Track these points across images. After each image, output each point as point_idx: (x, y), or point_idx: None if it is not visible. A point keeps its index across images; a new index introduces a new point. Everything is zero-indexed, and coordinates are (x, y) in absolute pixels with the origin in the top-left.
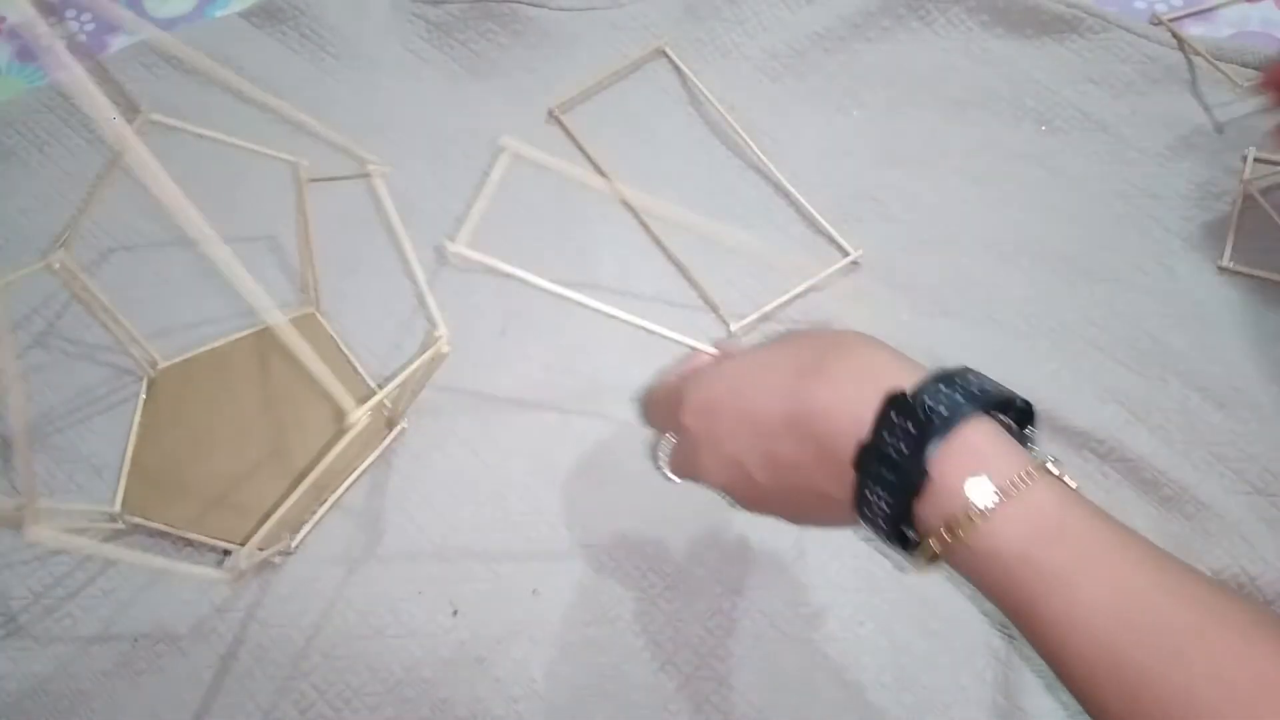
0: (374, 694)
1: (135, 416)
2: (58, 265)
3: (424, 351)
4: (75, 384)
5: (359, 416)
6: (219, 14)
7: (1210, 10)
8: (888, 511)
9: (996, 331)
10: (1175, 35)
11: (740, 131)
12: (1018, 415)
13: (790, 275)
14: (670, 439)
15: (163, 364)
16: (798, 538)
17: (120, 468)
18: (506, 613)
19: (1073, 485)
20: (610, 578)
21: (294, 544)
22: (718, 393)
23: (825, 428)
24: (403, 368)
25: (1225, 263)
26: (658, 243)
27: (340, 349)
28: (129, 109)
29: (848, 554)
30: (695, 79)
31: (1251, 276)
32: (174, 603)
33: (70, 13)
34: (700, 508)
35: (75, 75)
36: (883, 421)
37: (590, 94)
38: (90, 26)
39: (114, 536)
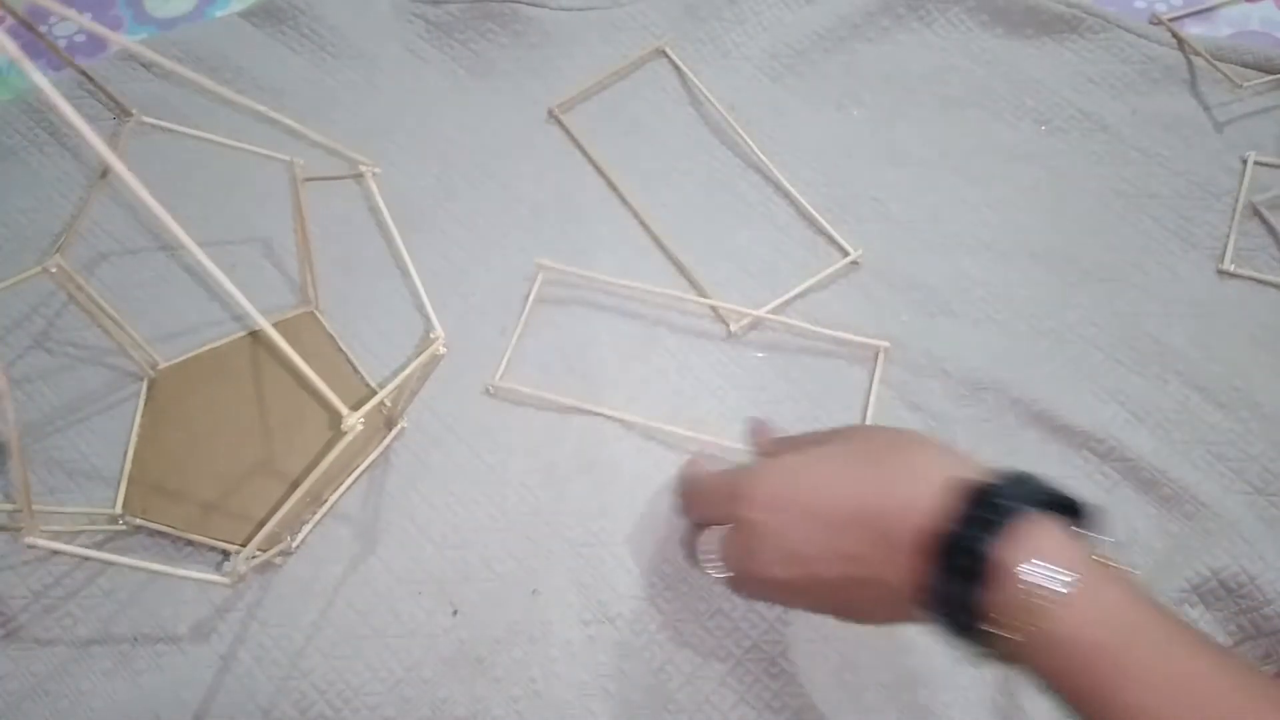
0: (374, 694)
1: (135, 418)
2: (54, 269)
3: (422, 352)
4: (75, 385)
5: (354, 422)
6: (219, 14)
7: (1210, 10)
8: (950, 598)
9: (997, 331)
10: (1175, 35)
11: (740, 131)
12: (1074, 515)
13: (790, 275)
14: (712, 531)
15: (163, 365)
16: None
17: (121, 469)
18: (506, 613)
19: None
20: (610, 578)
21: (294, 544)
22: (783, 487)
23: (889, 520)
24: (402, 367)
25: (1226, 266)
26: (658, 243)
27: (340, 348)
28: (121, 113)
29: None
30: (695, 79)
31: (1253, 280)
32: (174, 603)
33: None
34: None
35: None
36: (951, 511)
37: (590, 94)
38: (81, 37)
39: (115, 537)
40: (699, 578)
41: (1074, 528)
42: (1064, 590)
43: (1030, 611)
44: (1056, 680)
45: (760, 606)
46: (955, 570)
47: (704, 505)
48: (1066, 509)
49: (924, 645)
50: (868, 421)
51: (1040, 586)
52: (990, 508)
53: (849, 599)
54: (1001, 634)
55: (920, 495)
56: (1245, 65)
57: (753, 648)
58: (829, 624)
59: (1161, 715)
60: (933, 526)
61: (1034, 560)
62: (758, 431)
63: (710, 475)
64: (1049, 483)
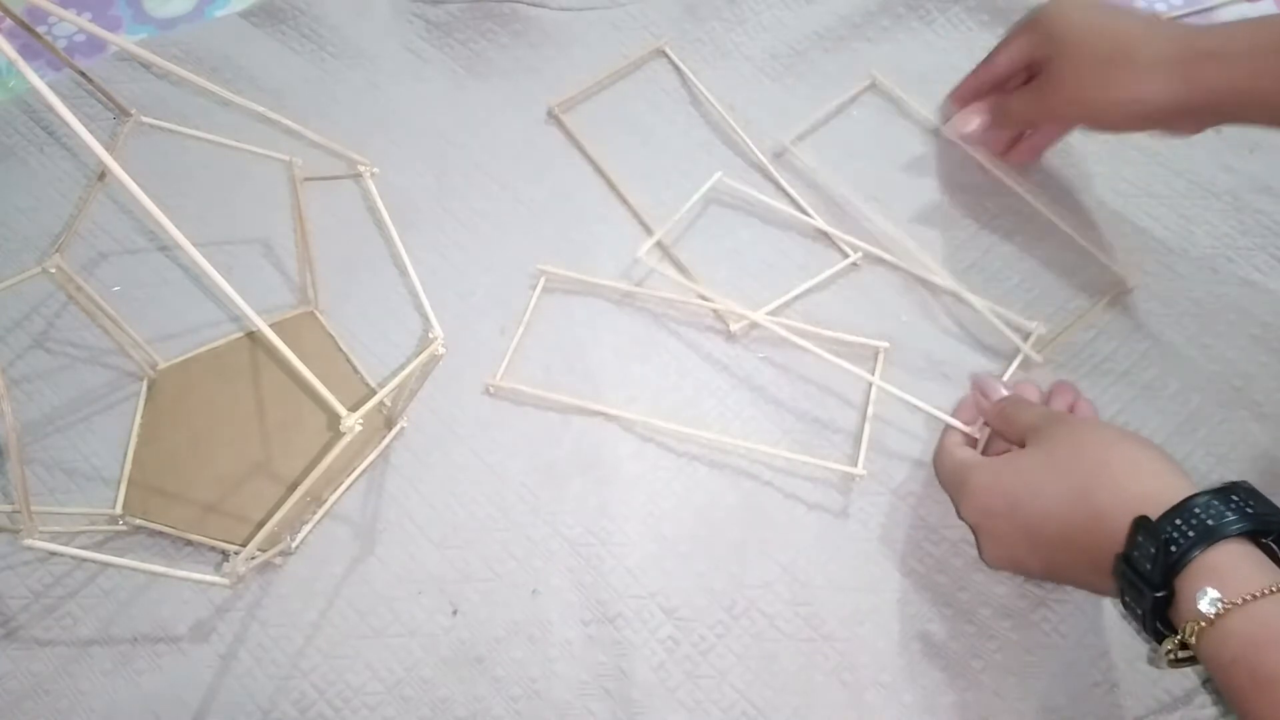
0: (374, 693)
1: (135, 418)
2: (53, 270)
3: (421, 352)
4: (75, 386)
5: (353, 423)
6: (219, 14)
7: (1210, 10)
8: (1141, 615)
9: (996, 331)
10: None
11: (740, 131)
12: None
13: (790, 275)
14: None
15: (162, 365)
16: (796, 537)
17: (121, 469)
18: (506, 613)
19: None
20: (610, 578)
21: (294, 544)
22: (995, 502)
23: (1093, 545)
24: (402, 367)
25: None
26: (658, 243)
27: (339, 348)
28: (120, 113)
29: (847, 554)
30: (695, 79)
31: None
32: (174, 603)
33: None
34: (700, 508)
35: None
36: (1133, 543)
37: (590, 94)
38: (80, 38)
39: (115, 538)
40: (699, 576)
41: (1268, 546)
42: (1212, 612)
43: (1189, 630)
44: (1220, 690)
45: (762, 608)
46: (1135, 593)
47: (942, 479)
48: (1264, 525)
49: (923, 647)
50: (867, 422)
51: (1196, 608)
52: (1167, 544)
53: (1065, 583)
54: (1172, 645)
55: (1118, 527)
56: None
57: (753, 647)
58: (829, 624)
59: None
60: (1125, 556)
61: (1197, 586)
62: (982, 389)
63: (948, 452)
64: (1251, 501)
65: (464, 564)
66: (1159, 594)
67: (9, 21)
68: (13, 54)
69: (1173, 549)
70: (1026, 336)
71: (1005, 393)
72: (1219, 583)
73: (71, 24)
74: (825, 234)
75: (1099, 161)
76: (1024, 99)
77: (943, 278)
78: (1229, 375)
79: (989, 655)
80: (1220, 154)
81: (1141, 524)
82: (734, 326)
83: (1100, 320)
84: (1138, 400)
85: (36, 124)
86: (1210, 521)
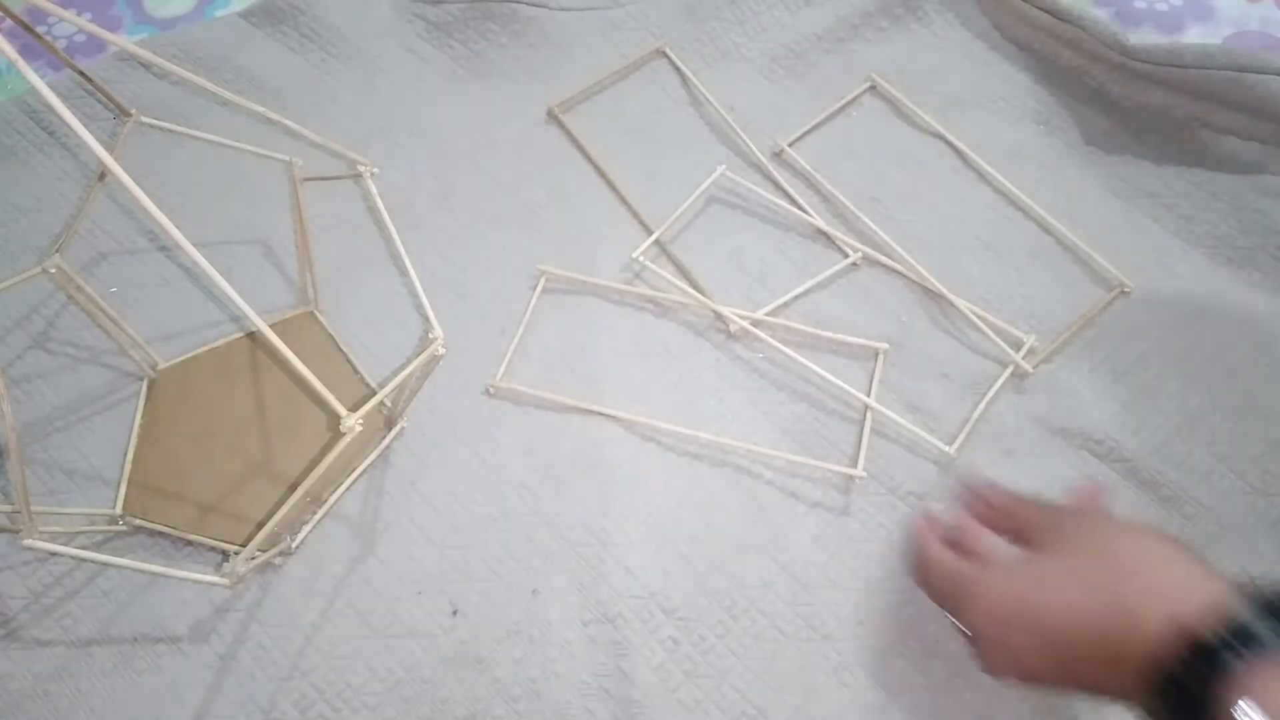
0: (374, 693)
1: (135, 418)
2: (53, 270)
3: (422, 352)
4: (75, 386)
5: (353, 423)
6: (219, 14)
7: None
8: None
9: (996, 332)
10: None
11: (740, 131)
12: None
13: (790, 275)
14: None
15: (162, 365)
16: (796, 538)
17: (121, 469)
18: (506, 613)
19: None
20: (610, 578)
21: (294, 545)
22: (1010, 609)
23: (1119, 648)
24: (402, 367)
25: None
26: (658, 242)
27: (339, 348)
28: (120, 113)
29: (847, 554)
30: (695, 79)
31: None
32: (174, 603)
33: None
34: (700, 508)
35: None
36: (1177, 659)
37: (590, 94)
38: (80, 38)
39: (115, 538)
40: (699, 576)
41: None
42: None
43: None
44: None
45: (762, 607)
46: (1174, 708)
47: (931, 591)
48: None
49: (923, 647)
50: (867, 423)
51: None
52: (1218, 663)
53: (1079, 692)
54: None
55: (1151, 631)
56: (1240, 69)
57: (753, 647)
58: (829, 624)
59: None
60: (1161, 663)
61: (1245, 711)
62: (973, 493)
63: (938, 563)
64: None
65: (464, 564)
66: (1203, 715)
67: (9, 21)
68: (13, 54)
69: (1222, 673)
70: (1019, 346)
71: (999, 491)
72: (1265, 703)
73: (71, 24)
74: (825, 234)
75: (1098, 162)
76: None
77: (937, 283)
78: (1229, 375)
79: None
80: (1220, 154)
81: (1186, 638)
82: (734, 326)
83: (1100, 320)
84: (1138, 400)
85: (36, 124)
86: (1262, 634)
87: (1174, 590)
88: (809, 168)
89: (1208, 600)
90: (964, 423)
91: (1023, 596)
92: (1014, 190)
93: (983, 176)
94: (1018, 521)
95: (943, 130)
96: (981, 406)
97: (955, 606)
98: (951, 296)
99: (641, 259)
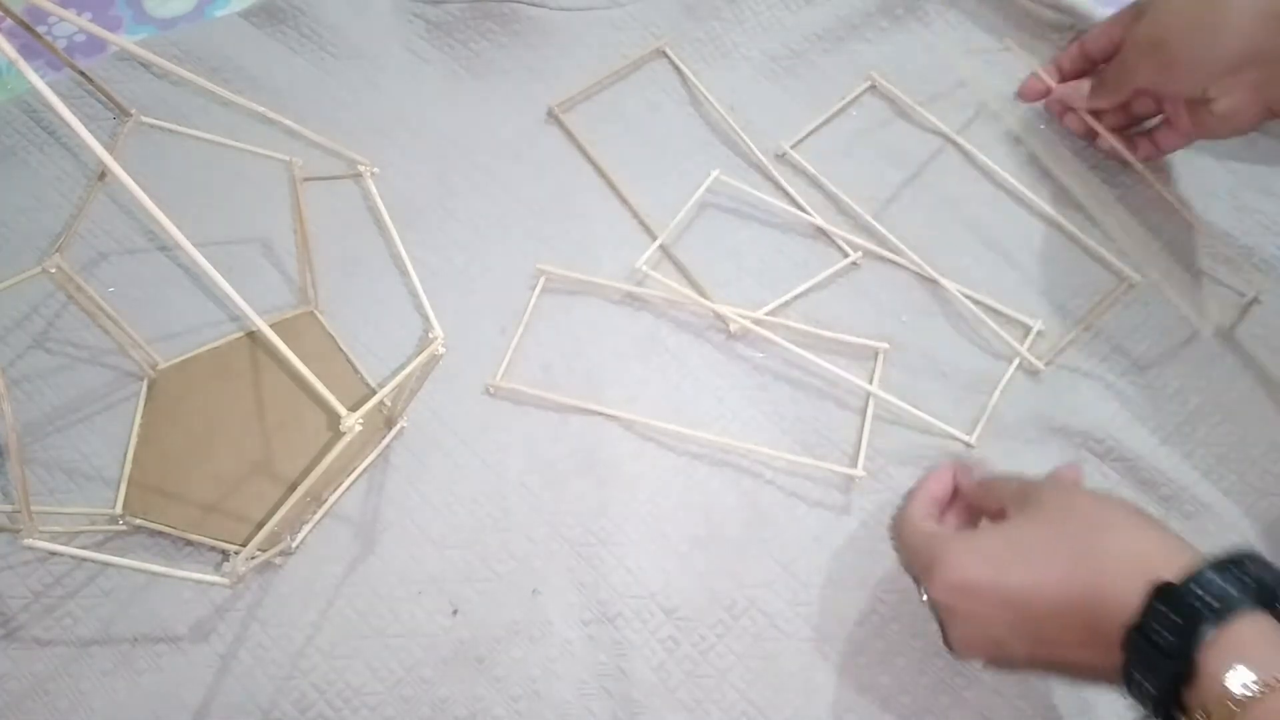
0: (374, 693)
1: (135, 418)
2: (53, 270)
3: (421, 351)
4: (75, 385)
5: (353, 423)
6: (219, 14)
7: None
8: (1154, 694)
9: (996, 332)
10: None
11: (740, 131)
12: None
13: (790, 275)
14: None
15: (162, 365)
16: (796, 537)
17: (121, 469)
18: (506, 613)
19: None
20: (610, 577)
21: (294, 544)
22: (978, 574)
23: (1094, 611)
24: (402, 367)
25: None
26: (660, 245)
27: (339, 348)
28: (120, 113)
29: (847, 554)
30: (695, 79)
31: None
32: (174, 603)
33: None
34: (700, 508)
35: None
36: (1151, 611)
37: (590, 94)
38: (80, 37)
39: (115, 538)
40: (699, 575)
41: None
42: (1247, 694)
43: (1215, 712)
44: None
45: (762, 607)
46: (1150, 669)
47: (906, 561)
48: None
49: (922, 647)
50: (867, 422)
51: (1225, 688)
52: (1189, 610)
53: (1053, 671)
54: None
55: (1126, 590)
56: None
57: (753, 646)
58: (829, 624)
59: None
60: (1131, 623)
61: (1225, 663)
62: (962, 470)
63: (911, 523)
64: (1264, 570)
65: (464, 564)
66: (1180, 669)
67: (9, 21)
68: (13, 54)
69: (1199, 622)
70: (1026, 334)
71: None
72: (1249, 660)
73: (71, 24)
74: (825, 233)
75: (1099, 162)
76: (1121, 62)
77: (945, 278)
78: (1229, 375)
79: None
80: (1220, 154)
81: (1163, 590)
82: (734, 326)
83: (1100, 319)
84: (1138, 400)
85: (36, 124)
86: (1234, 589)
87: (1150, 555)
88: (811, 168)
89: (1183, 565)
90: (968, 422)
91: (989, 557)
92: (1018, 187)
93: (985, 175)
94: (995, 495)
95: (944, 129)
96: (996, 395)
97: (923, 573)
98: (957, 288)
99: (644, 268)
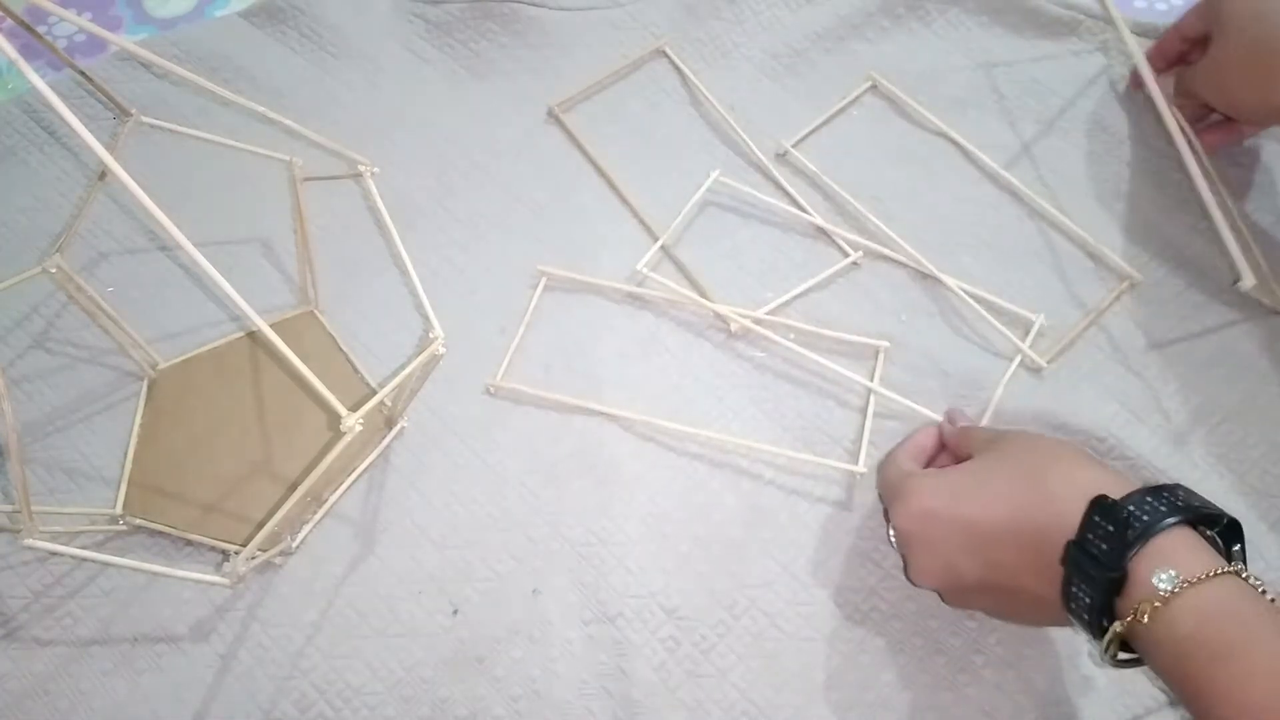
0: (374, 693)
1: (135, 418)
2: (54, 270)
3: (422, 351)
4: (75, 385)
5: (353, 423)
6: (219, 14)
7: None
8: (1089, 604)
9: (996, 332)
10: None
11: (740, 131)
12: (1225, 532)
13: (790, 275)
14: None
15: (162, 365)
16: (797, 537)
17: (121, 469)
18: (506, 613)
19: (1263, 591)
20: (610, 577)
21: (294, 544)
22: (938, 501)
23: (1040, 533)
24: (402, 367)
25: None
26: (661, 247)
27: (339, 348)
28: (120, 113)
29: (848, 552)
30: (695, 79)
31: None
32: (174, 603)
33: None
34: (700, 507)
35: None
36: (1088, 524)
37: (590, 94)
38: (80, 37)
39: (115, 538)
40: (699, 576)
41: (1210, 536)
42: (1168, 589)
43: (1141, 611)
44: (1164, 673)
45: (762, 607)
46: (1086, 578)
47: (883, 490)
48: (1207, 521)
49: (923, 646)
50: (868, 420)
51: (1150, 588)
52: (1123, 520)
53: (1004, 603)
54: (1125, 634)
55: (1069, 511)
56: None
57: (753, 646)
58: (829, 623)
59: (1255, 692)
60: (1074, 540)
61: (1153, 568)
62: (949, 417)
63: (891, 472)
64: (1191, 497)
65: (464, 564)
66: (1113, 575)
67: (9, 21)
68: (13, 54)
69: (1130, 530)
70: (1027, 332)
71: (968, 420)
72: (1175, 564)
73: (72, 24)
74: (825, 233)
75: (1099, 161)
76: (1192, 76)
77: (944, 276)
78: (1229, 375)
79: (990, 650)
80: (1220, 154)
81: (1099, 504)
82: (734, 326)
83: (1100, 318)
84: (1138, 399)
85: (36, 124)
86: (1163, 507)
87: (1095, 483)
88: (811, 168)
89: (1122, 486)
90: (970, 420)
91: (947, 487)
92: (1020, 186)
93: (986, 175)
94: (969, 440)
95: (945, 128)
96: (999, 391)
97: (891, 505)
98: (958, 284)
99: (644, 270)
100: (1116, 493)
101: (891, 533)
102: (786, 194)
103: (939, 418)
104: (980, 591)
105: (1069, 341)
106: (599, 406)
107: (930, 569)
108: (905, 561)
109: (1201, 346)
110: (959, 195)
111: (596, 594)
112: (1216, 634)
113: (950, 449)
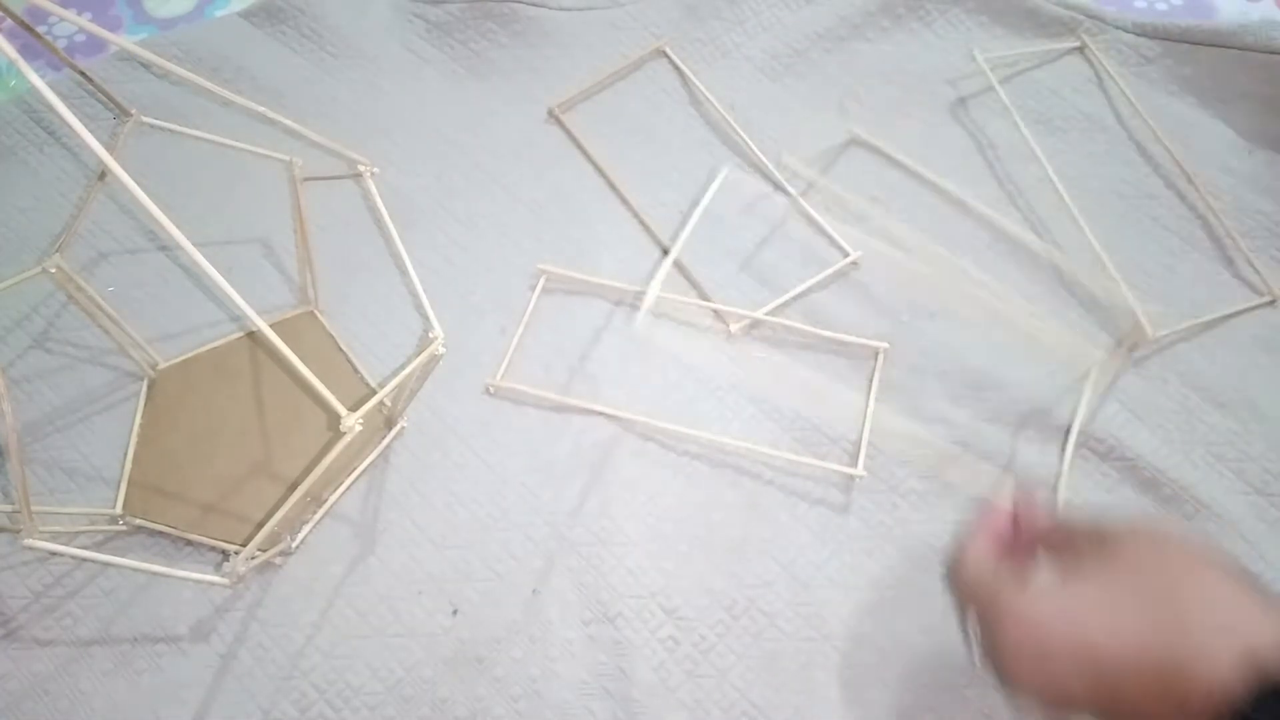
0: (374, 693)
1: (135, 418)
2: (54, 270)
3: (422, 352)
4: (75, 385)
5: (353, 423)
6: (219, 14)
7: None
8: None
9: (996, 331)
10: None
11: (740, 131)
12: None
13: (790, 275)
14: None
15: (162, 365)
16: (796, 537)
17: (121, 469)
18: (506, 613)
19: None
20: (610, 577)
21: (294, 544)
22: (1056, 620)
23: (1176, 676)
24: (402, 367)
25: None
26: (658, 242)
27: (339, 348)
28: (120, 113)
29: (848, 552)
30: (695, 79)
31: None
32: (174, 603)
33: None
34: (700, 507)
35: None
36: (1258, 705)
37: (590, 94)
38: (80, 37)
39: (115, 538)
40: (699, 575)
41: None
42: None
43: None
44: None
45: (762, 607)
46: None
47: (964, 594)
48: None
49: (924, 645)
50: (867, 422)
51: None
52: None
53: (1112, 718)
54: None
55: (1214, 661)
56: (1244, 48)
57: (753, 646)
58: (829, 623)
59: None
60: (1230, 704)
61: None
62: (1019, 500)
63: (977, 563)
64: None
65: (464, 564)
66: None
67: (9, 21)
68: (13, 54)
69: None
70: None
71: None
72: None
73: (72, 24)
74: (826, 233)
75: (1099, 162)
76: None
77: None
78: (1228, 374)
79: None
80: (1220, 154)
81: (1268, 685)
82: (734, 326)
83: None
84: (1137, 399)
85: (36, 124)
86: None
87: (1243, 624)
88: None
89: (1274, 635)
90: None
91: (1068, 618)
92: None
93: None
94: (1063, 536)
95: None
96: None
97: (988, 621)
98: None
99: (658, 290)
100: (1266, 634)
101: (972, 626)
102: (787, 194)
103: (938, 418)
104: (1089, 707)
105: (1073, 342)
106: (599, 406)
107: (1033, 684)
108: (992, 661)
109: (1200, 346)
110: (958, 195)
111: (596, 594)
112: None
113: (1033, 536)
